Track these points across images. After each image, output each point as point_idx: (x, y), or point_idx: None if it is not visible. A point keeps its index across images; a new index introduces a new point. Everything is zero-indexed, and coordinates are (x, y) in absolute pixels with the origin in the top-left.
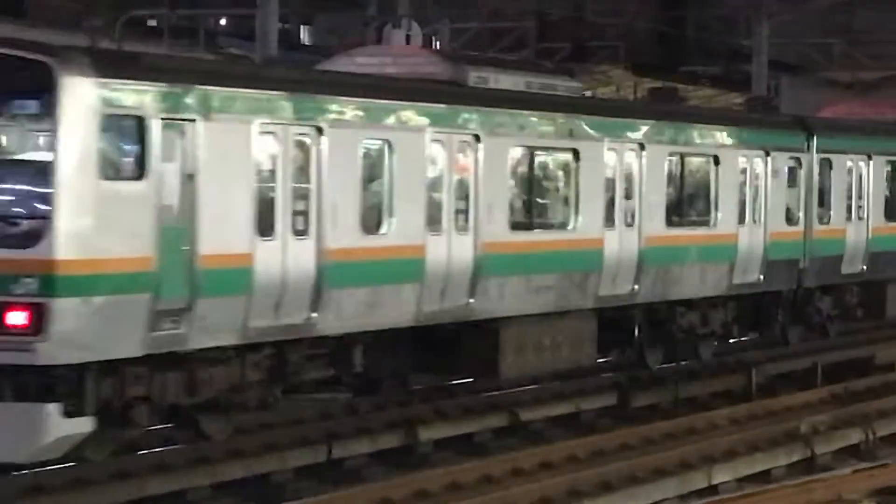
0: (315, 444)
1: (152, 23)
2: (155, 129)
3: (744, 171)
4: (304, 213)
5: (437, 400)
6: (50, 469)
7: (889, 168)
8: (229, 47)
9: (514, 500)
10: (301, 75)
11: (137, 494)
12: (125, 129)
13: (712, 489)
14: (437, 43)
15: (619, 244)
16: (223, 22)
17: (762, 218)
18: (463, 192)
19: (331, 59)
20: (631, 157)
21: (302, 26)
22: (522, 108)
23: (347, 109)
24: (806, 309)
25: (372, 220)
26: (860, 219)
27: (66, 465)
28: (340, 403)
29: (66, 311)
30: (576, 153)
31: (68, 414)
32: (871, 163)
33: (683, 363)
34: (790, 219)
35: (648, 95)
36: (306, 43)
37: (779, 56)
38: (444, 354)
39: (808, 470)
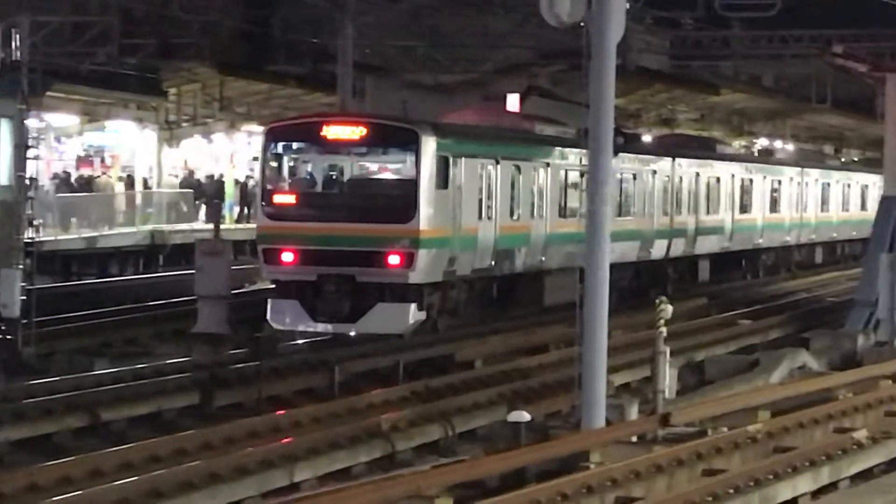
0: None
1: None
2: (451, 163)
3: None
4: (490, 207)
5: (14, 400)
6: None
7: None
8: None
9: (93, 502)
10: (486, 131)
11: None
12: (442, 163)
13: (294, 486)
14: (18, 37)
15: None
16: None
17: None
18: (541, 194)
19: (448, 116)
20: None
21: None
22: (568, 147)
23: (508, 149)
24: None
25: (512, 210)
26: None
27: None
28: None
29: (423, 256)
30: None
31: (418, 310)
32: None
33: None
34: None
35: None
36: None
37: (364, 58)
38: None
39: (388, 466)
